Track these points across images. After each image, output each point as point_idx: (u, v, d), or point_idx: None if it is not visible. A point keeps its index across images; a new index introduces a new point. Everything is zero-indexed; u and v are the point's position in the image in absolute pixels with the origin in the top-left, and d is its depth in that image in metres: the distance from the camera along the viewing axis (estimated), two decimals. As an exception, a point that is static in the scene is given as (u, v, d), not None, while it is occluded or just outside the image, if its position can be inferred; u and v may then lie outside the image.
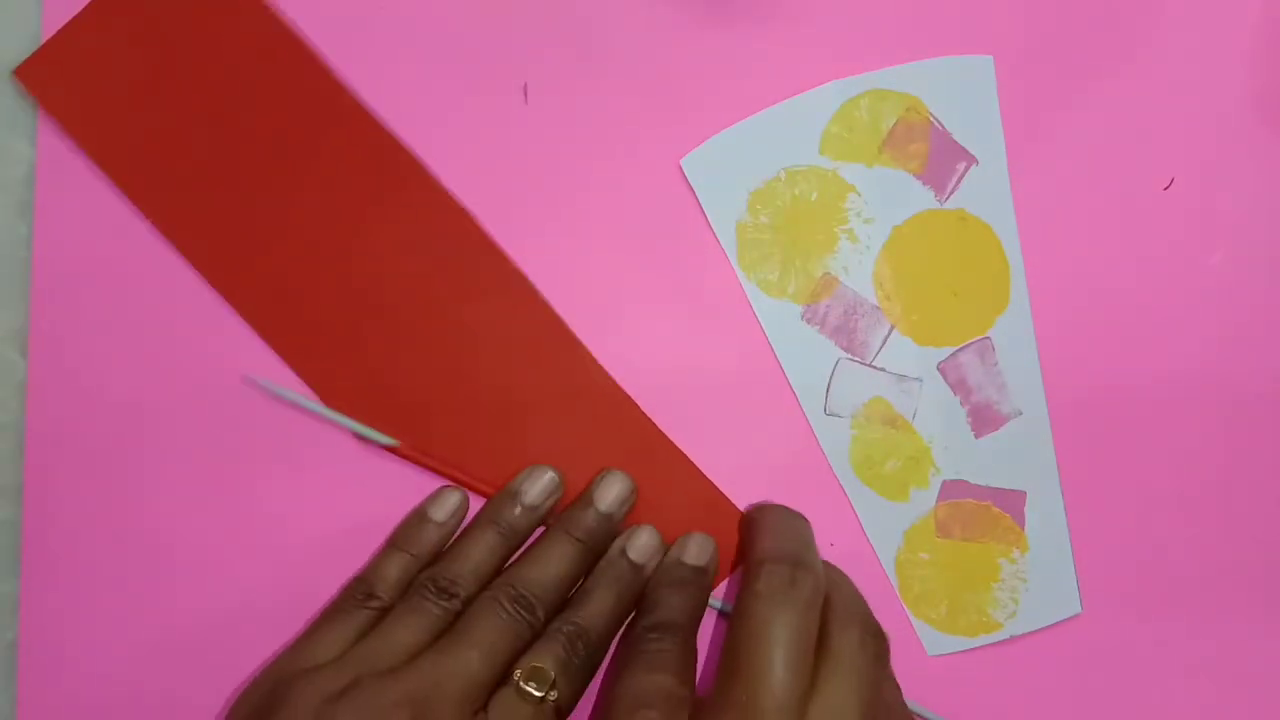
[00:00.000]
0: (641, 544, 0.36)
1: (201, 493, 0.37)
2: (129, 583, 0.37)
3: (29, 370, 0.37)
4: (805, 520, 0.36)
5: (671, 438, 0.37)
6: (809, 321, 0.37)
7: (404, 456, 0.36)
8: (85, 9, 0.36)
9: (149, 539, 0.37)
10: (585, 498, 0.36)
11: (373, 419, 0.37)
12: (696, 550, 0.36)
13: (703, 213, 0.37)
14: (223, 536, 0.37)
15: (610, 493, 0.36)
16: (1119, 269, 0.37)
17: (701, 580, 0.36)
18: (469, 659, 0.32)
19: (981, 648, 0.37)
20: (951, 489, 0.37)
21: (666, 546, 0.36)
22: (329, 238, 0.36)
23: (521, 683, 0.32)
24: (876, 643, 0.32)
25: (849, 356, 0.37)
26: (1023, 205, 0.37)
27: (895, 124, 0.37)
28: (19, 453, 0.37)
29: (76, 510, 0.37)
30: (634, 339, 0.37)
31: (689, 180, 0.37)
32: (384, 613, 0.34)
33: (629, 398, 0.37)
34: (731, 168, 0.37)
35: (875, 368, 0.37)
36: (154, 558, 0.37)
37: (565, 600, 0.35)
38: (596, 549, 0.36)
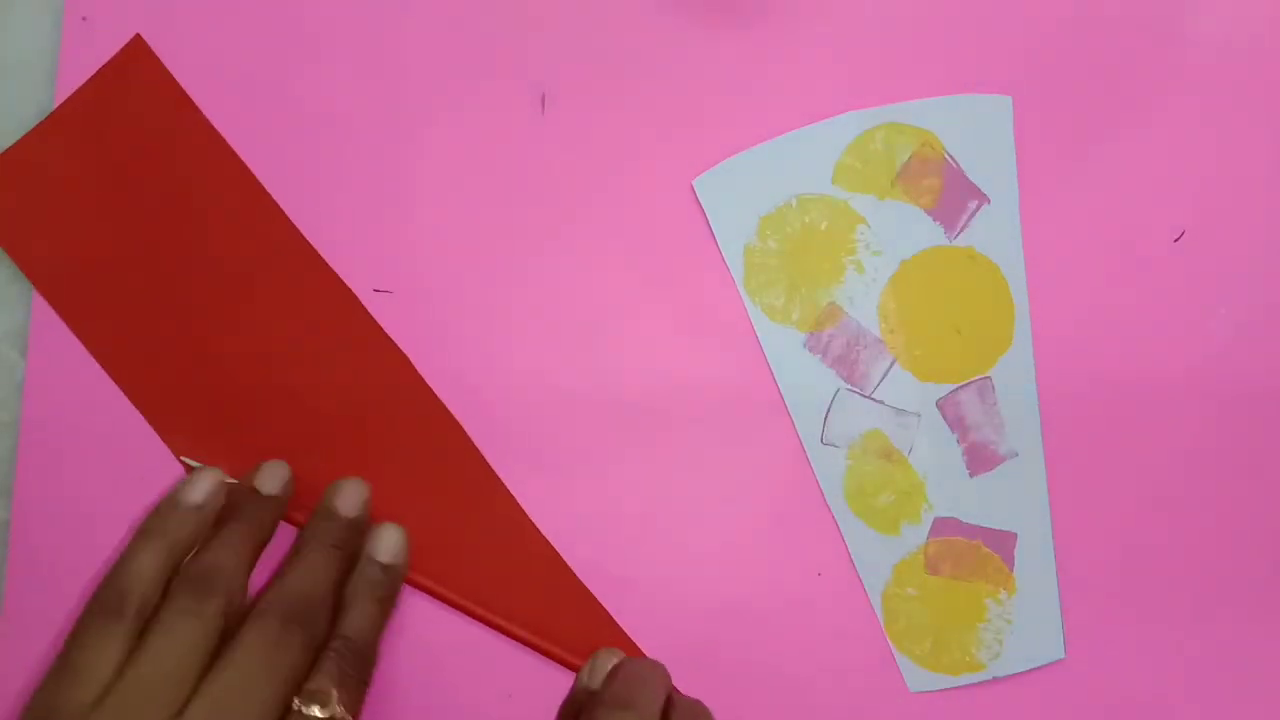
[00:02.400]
0: (386, 545, 0.36)
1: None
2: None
3: (28, 370, 0.37)
4: (658, 666, 0.36)
5: (665, 456, 0.37)
6: (811, 350, 0.37)
7: None
8: (28, 135, 0.36)
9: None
10: (327, 508, 0.36)
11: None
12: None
13: (712, 234, 0.37)
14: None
15: (350, 499, 0.36)
16: (1124, 317, 0.37)
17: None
18: (250, 695, 0.31)
19: (963, 687, 0.37)
20: (943, 526, 0.37)
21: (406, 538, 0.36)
22: (265, 364, 0.37)
23: (304, 709, 0.31)
24: None
25: (849, 387, 0.37)
26: (1032, 247, 0.37)
27: (909, 158, 0.37)
28: (18, 453, 0.37)
29: (71, 511, 0.37)
30: (634, 355, 0.37)
31: (700, 201, 0.37)
32: (143, 619, 0.32)
33: (459, 427, 0.37)
34: (743, 191, 0.37)
35: (874, 400, 0.37)
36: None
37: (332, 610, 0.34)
38: (352, 555, 0.36)
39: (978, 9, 0.37)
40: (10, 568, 0.37)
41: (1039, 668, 0.37)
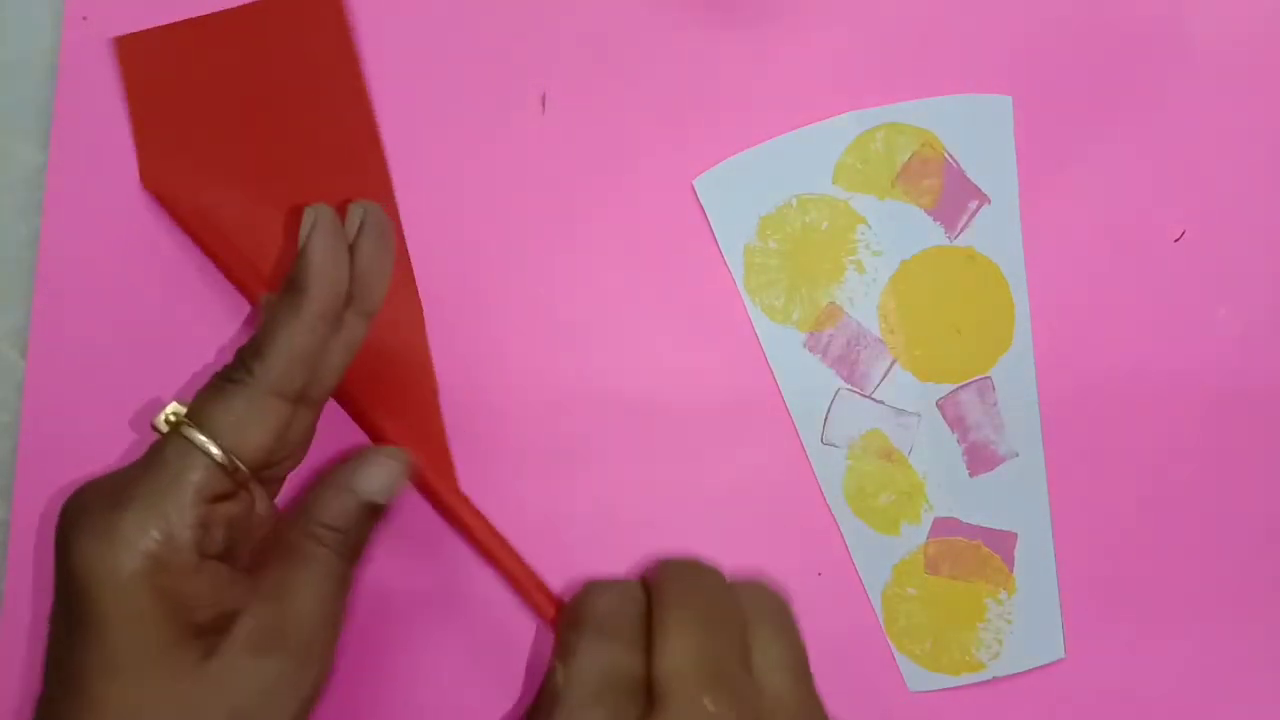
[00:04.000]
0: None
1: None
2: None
3: (28, 370, 0.37)
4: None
5: (665, 454, 0.37)
6: (811, 349, 0.37)
7: None
8: (196, 19, 0.36)
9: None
10: None
11: None
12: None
13: (712, 234, 0.37)
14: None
15: None
16: (1124, 316, 0.37)
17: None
18: None
19: (963, 687, 0.37)
20: (943, 526, 0.37)
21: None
22: None
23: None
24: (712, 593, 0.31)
25: (849, 387, 0.37)
26: (1032, 247, 0.37)
27: (910, 158, 0.37)
28: (18, 453, 0.37)
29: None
30: (635, 354, 0.37)
31: (700, 201, 0.37)
32: None
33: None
34: (744, 191, 0.37)
35: (874, 400, 0.37)
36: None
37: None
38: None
39: (978, 9, 0.37)
40: (10, 568, 0.37)
41: (1039, 668, 0.37)
